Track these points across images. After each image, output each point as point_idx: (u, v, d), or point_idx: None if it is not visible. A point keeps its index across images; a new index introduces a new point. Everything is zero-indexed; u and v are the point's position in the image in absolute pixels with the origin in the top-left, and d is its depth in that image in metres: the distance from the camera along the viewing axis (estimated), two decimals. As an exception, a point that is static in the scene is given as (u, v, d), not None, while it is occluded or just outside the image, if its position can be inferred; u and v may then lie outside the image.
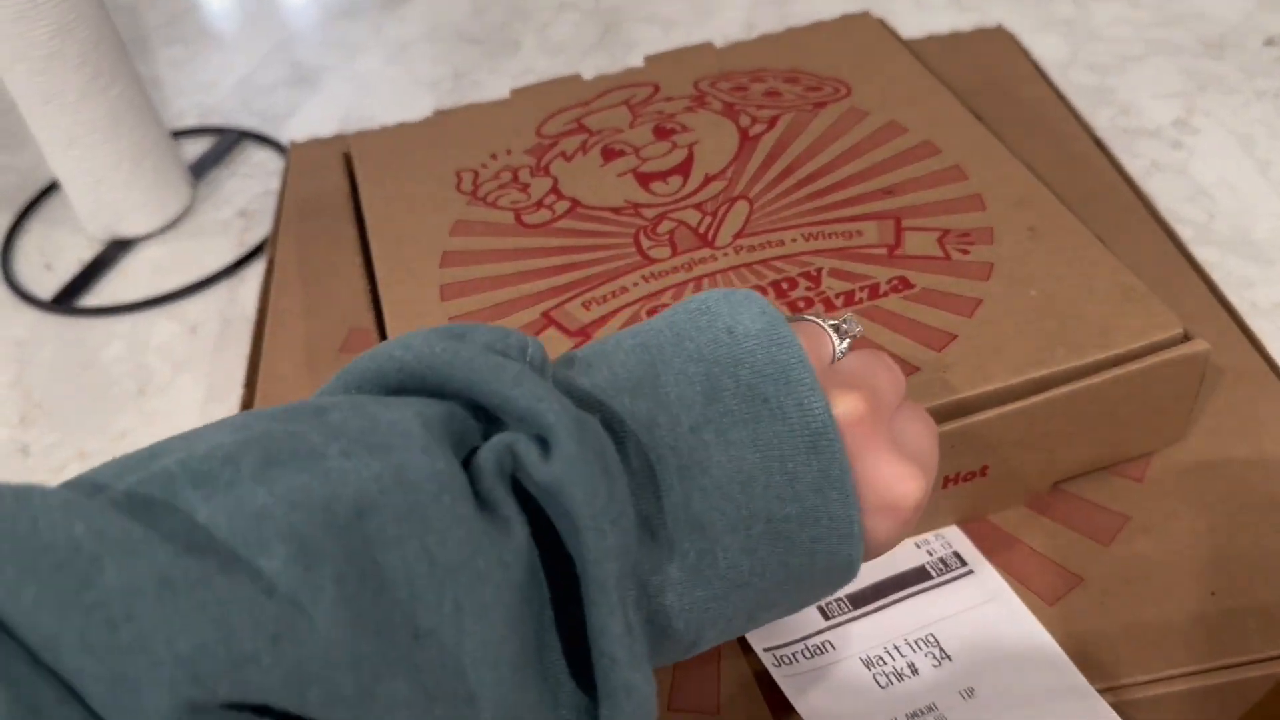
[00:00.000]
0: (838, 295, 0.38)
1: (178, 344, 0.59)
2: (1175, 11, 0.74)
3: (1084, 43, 0.73)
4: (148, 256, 0.66)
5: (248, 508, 0.17)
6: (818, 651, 0.35)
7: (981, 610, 0.36)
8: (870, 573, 0.37)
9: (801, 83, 0.49)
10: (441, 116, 0.52)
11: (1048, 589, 0.36)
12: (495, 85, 0.76)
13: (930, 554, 0.38)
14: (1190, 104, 0.67)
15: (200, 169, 0.72)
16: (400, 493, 0.18)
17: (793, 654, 0.35)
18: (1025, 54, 0.64)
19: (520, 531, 0.20)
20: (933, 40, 0.65)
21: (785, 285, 0.39)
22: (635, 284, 0.40)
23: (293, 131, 0.75)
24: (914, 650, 0.35)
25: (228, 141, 0.74)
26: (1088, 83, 0.70)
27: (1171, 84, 0.68)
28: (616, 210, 0.44)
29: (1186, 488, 0.38)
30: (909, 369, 0.35)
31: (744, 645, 0.35)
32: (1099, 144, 0.56)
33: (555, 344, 0.38)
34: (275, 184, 0.70)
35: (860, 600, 0.36)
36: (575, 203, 0.44)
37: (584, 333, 0.38)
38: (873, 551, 0.25)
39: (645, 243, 0.42)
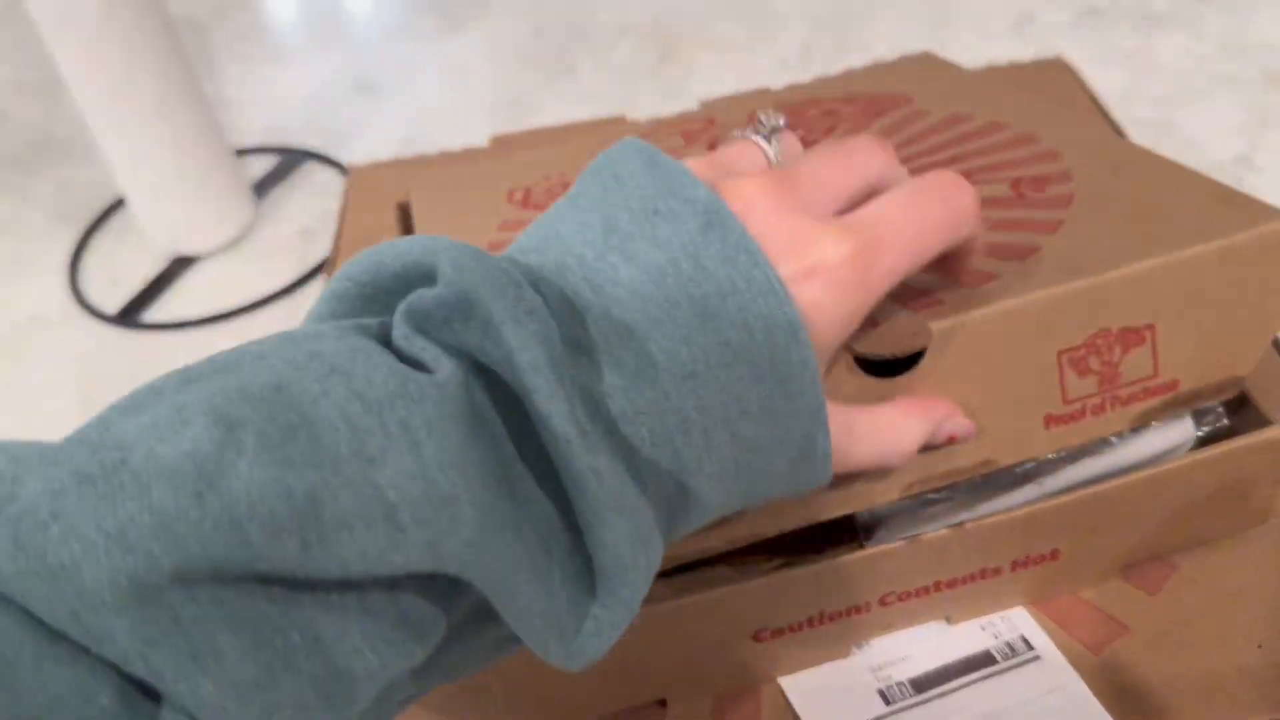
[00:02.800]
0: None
1: None
2: (1239, 44, 0.73)
3: (1146, 75, 0.72)
4: (210, 273, 0.68)
5: (167, 408, 0.18)
6: None
7: (1047, 700, 0.35)
8: (934, 656, 0.37)
9: (860, 101, 0.49)
10: (500, 158, 0.52)
11: (1093, 638, 0.36)
12: (553, 108, 0.77)
13: (996, 637, 0.37)
14: (1254, 139, 0.66)
15: (263, 188, 0.73)
16: (316, 363, 0.19)
17: None
18: (1084, 86, 0.63)
19: (447, 365, 0.20)
20: (991, 71, 0.65)
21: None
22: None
23: (355, 151, 0.76)
24: None
25: (291, 161, 0.75)
26: (1149, 116, 0.69)
27: (1234, 118, 0.67)
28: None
29: (1235, 537, 0.37)
30: (987, 277, 0.30)
31: None
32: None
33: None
34: (335, 204, 0.71)
35: (923, 685, 0.36)
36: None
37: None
38: (823, 325, 0.23)
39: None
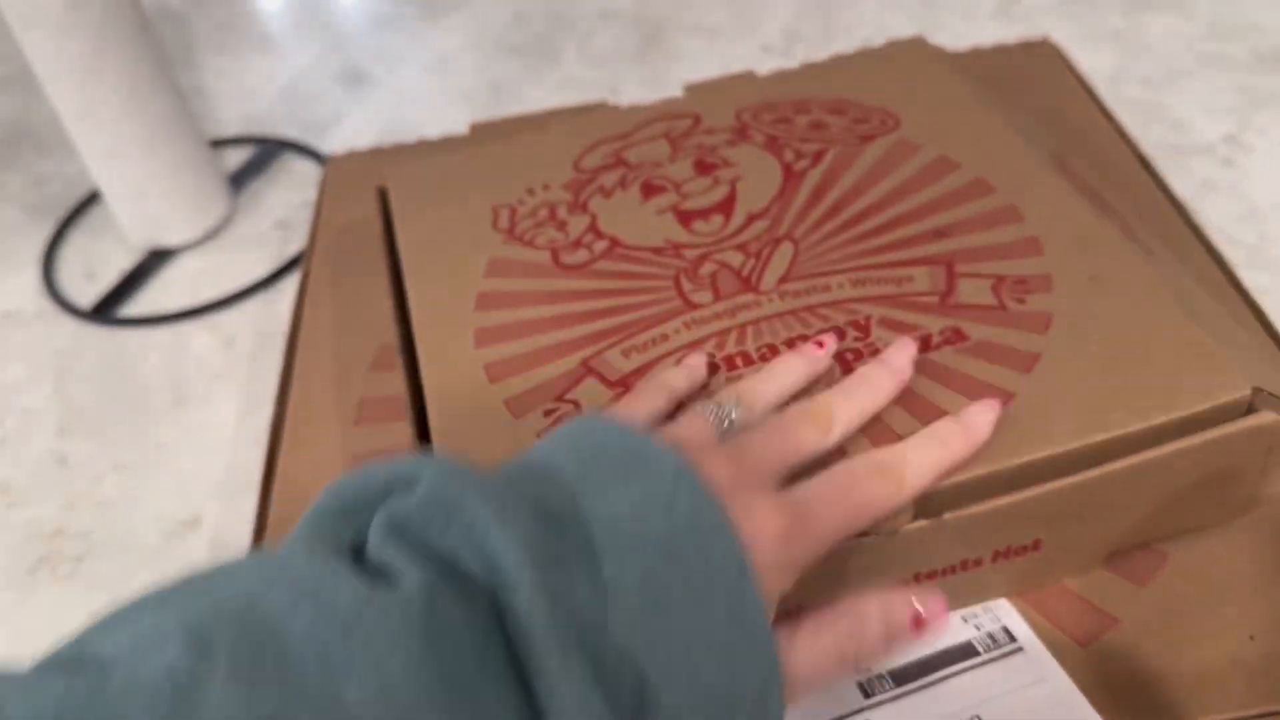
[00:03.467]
0: (887, 345, 0.37)
1: (214, 356, 0.59)
2: (1229, 23, 0.72)
3: (1134, 55, 0.71)
4: (187, 267, 0.67)
5: (146, 626, 0.19)
6: None
7: (1030, 691, 0.35)
8: (915, 648, 0.36)
9: (848, 114, 0.48)
10: (478, 147, 0.51)
11: (1081, 631, 0.35)
12: (535, 96, 0.76)
13: (978, 628, 0.37)
14: (1244, 120, 0.65)
15: (240, 179, 0.72)
16: (286, 583, 0.20)
17: None
18: (1072, 68, 0.62)
19: (415, 575, 0.21)
20: (978, 54, 0.64)
21: (834, 335, 0.38)
22: (677, 331, 0.39)
23: (334, 141, 0.75)
24: None
25: (268, 152, 0.74)
26: (1137, 97, 0.68)
27: (1224, 99, 0.66)
28: (657, 250, 0.43)
29: (1227, 527, 0.37)
30: None
31: None
32: (1146, 164, 0.54)
33: (594, 395, 0.37)
34: (313, 195, 0.70)
35: (904, 677, 0.36)
36: (614, 242, 0.43)
37: (624, 383, 0.37)
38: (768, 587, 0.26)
39: (686, 286, 0.41)
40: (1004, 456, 0.33)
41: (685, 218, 0.44)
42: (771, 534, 0.26)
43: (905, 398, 0.35)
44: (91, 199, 0.73)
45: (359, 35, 0.88)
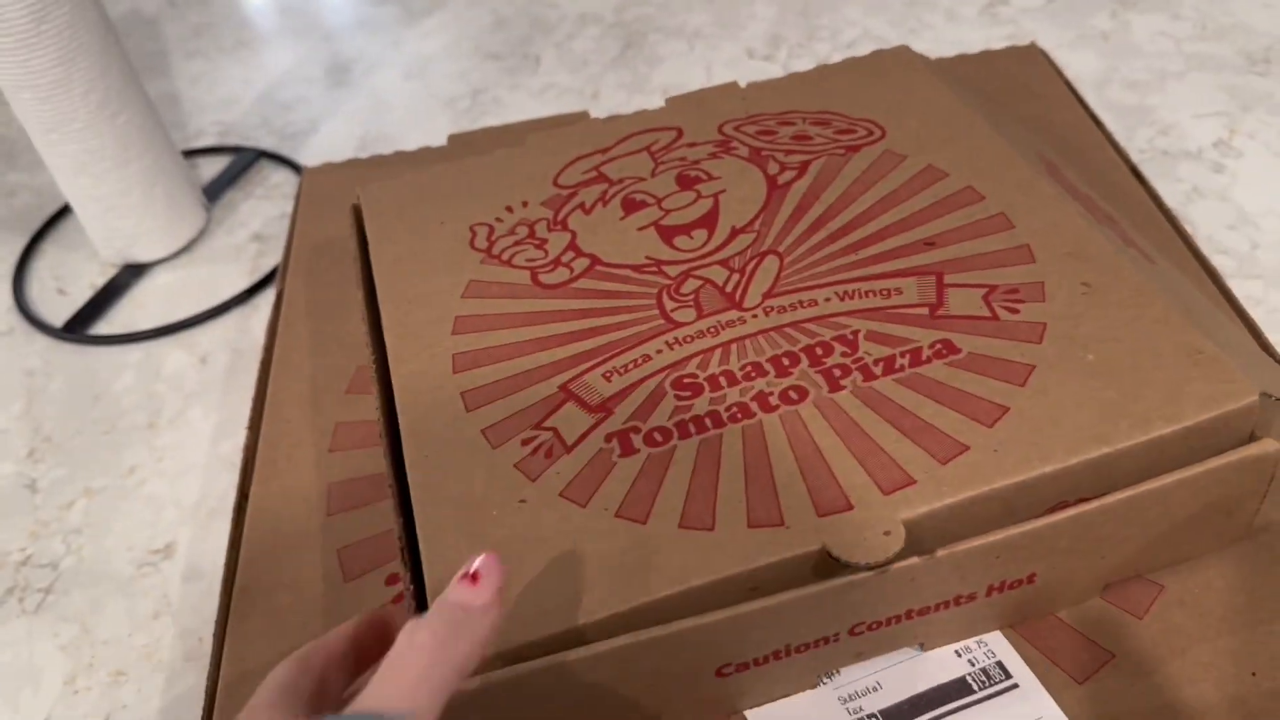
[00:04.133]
0: (876, 362, 0.36)
1: (188, 374, 0.58)
2: (1218, 24, 0.71)
3: (1122, 58, 0.70)
4: (161, 282, 0.65)
5: None
6: None
7: None
8: (907, 685, 0.35)
9: (832, 125, 0.47)
10: (454, 163, 0.50)
11: (1077, 666, 0.34)
12: (514, 102, 0.74)
13: (972, 664, 0.35)
14: (1233, 123, 0.64)
15: (215, 190, 0.71)
16: None
17: None
18: (1059, 74, 0.61)
19: None
20: (964, 60, 0.63)
21: (819, 351, 0.37)
22: (659, 351, 0.38)
23: (311, 149, 0.73)
24: None
25: (244, 161, 0.73)
26: (1125, 101, 0.67)
27: (1213, 102, 0.65)
28: (638, 268, 0.42)
29: (1224, 555, 0.36)
30: (958, 447, 0.33)
31: None
32: (1134, 171, 0.53)
33: (574, 420, 0.36)
34: (290, 206, 0.68)
35: (895, 716, 0.34)
36: (594, 260, 0.42)
37: (604, 407, 0.36)
38: None
39: (669, 304, 0.40)
40: (1001, 475, 0.32)
41: (667, 234, 0.43)
42: None
43: (897, 416, 0.34)
44: (63, 212, 0.72)
45: (337, 39, 0.87)
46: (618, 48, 0.78)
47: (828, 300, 0.39)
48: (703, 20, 0.81)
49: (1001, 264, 0.39)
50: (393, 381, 0.38)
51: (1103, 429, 0.32)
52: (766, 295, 0.39)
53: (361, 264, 0.45)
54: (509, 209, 0.46)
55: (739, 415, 0.35)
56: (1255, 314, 0.45)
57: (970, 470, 0.32)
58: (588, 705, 0.32)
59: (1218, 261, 0.48)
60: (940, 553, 0.32)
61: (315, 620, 0.38)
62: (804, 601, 0.31)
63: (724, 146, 0.47)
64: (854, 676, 0.36)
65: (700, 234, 0.43)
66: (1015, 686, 0.35)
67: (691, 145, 0.47)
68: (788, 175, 0.45)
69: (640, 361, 0.38)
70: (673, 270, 0.41)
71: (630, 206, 0.45)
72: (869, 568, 0.31)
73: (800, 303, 0.39)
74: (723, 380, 0.37)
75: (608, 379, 0.37)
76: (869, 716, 0.35)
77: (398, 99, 0.77)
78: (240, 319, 0.61)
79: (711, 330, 0.38)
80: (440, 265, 0.43)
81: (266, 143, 0.75)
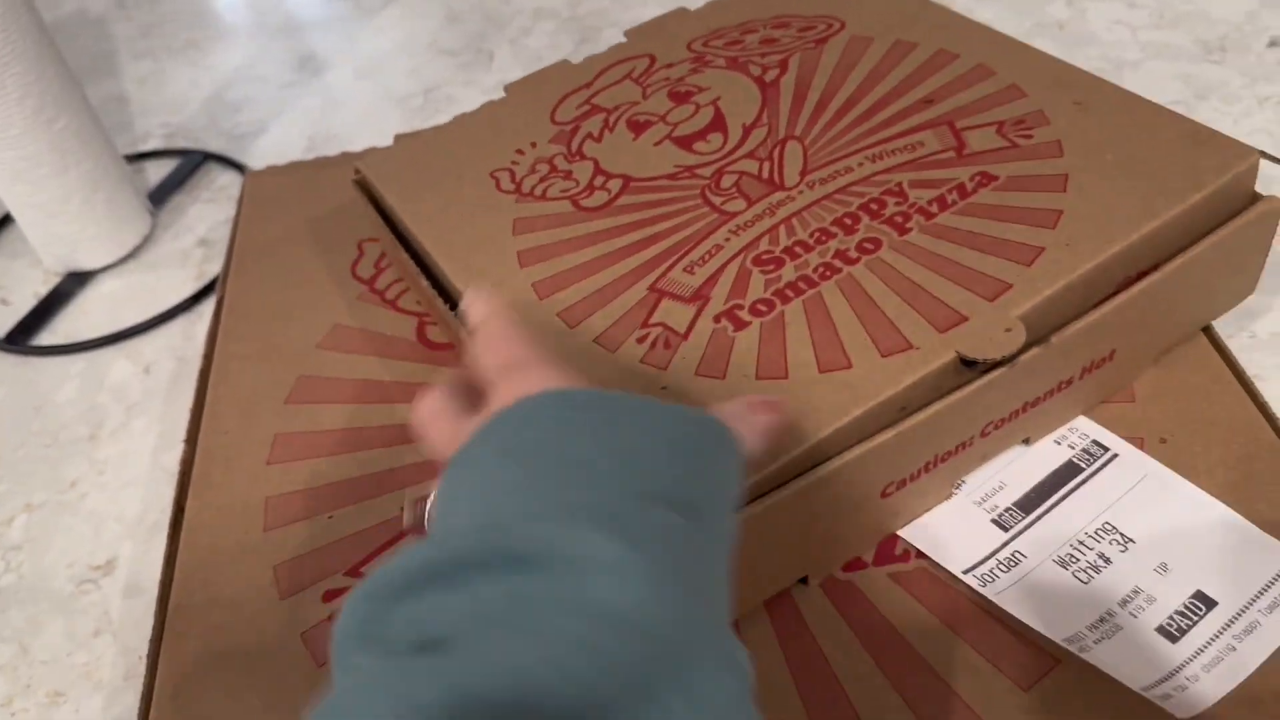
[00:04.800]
0: (930, 203, 0.39)
1: (132, 385, 0.56)
2: (1175, 11, 0.70)
3: (1078, 47, 0.69)
4: (105, 290, 0.62)
5: None
6: (1012, 564, 0.36)
7: (1142, 488, 0.37)
8: (1026, 479, 0.38)
9: (793, 25, 0.50)
10: (446, 123, 0.50)
11: (1021, 673, 0.34)
12: (468, 99, 0.73)
13: (1072, 448, 0.39)
14: (1189, 113, 0.63)
15: (161, 194, 0.68)
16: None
17: (990, 572, 0.36)
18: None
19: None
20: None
21: (875, 206, 0.39)
22: (727, 239, 0.40)
23: (260, 151, 0.71)
24: (1098, 541, 0.36)
25: (190, 164, 0.70)
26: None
27: (1170, 90, 0.64)
28: (672, 176, 0.43)
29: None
30: (1035, 251, 0.36)
31: (947, 576, 0.36)
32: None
33: (678, 314, 0.37)
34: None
35: (1028, 505, 0.38)
36: (627, 179, 0.43)
37: (700, 295, 0.38)
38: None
39: (716, 199, 0.41)
40: (1079, 263, 0.35)
41: (684, 143, 0.45)
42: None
43: (970, 239, 0.37)
44: (5, 220, 0.68)
45: (287, 37, 0.84)
46: (572, 43, 0.79)
47: (861, 165, 0.41)
48: (656, 14, 0.82)
49: (1000, 103, 0.43)
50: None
51: (1146, 207, 0.37)
52: (804, 173, 0.42)
53: (390, 228, 0.45)
54: (520, 152, 0.46)
55: (828, 273, 0.37)
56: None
57: (1053, 266, 0.36)
58: (776, 547, 0.34)
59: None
60: (1054, 339, 0.35)
61: (251, 638, 0.38)
62: (951, 409, 0.34)
63: (700, 61, 0.49)
64: (978, 482, 0.38)
65: (715, 137, 0.45)
66: (1115, 456, 0.39)
67: (669, 66, 0.49)
68: (772, 74, 0.47)
69: (714, 252, 0.39)
70: (706, 172, 0.43)
71: (637, 128, 0.46)
72: (1003, 362, 0.34)
73: (837, 172, 0.41)
74: (799, 250, 0.39)
75: (690, 272, 0.39)
76: (1006, 510, 0.38)
77: (349, 97, 0.76)
78: (185, 326, 0.59)
79: (768, 212, 0.40)
80: (478, 212, 0.43)
81: (214, 144, 0.73)
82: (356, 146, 0.65)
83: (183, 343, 0.58)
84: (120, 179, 0.62)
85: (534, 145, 0.46)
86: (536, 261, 0.40)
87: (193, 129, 0.75)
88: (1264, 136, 0.58)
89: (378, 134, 0.67)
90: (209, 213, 0.67)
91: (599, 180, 0.44)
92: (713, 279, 0.38)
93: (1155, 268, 0.37)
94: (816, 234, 0.39)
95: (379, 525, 0.40)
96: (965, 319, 0.35)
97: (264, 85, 0.79)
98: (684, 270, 0.39)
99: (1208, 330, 0.43)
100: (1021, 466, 0.39)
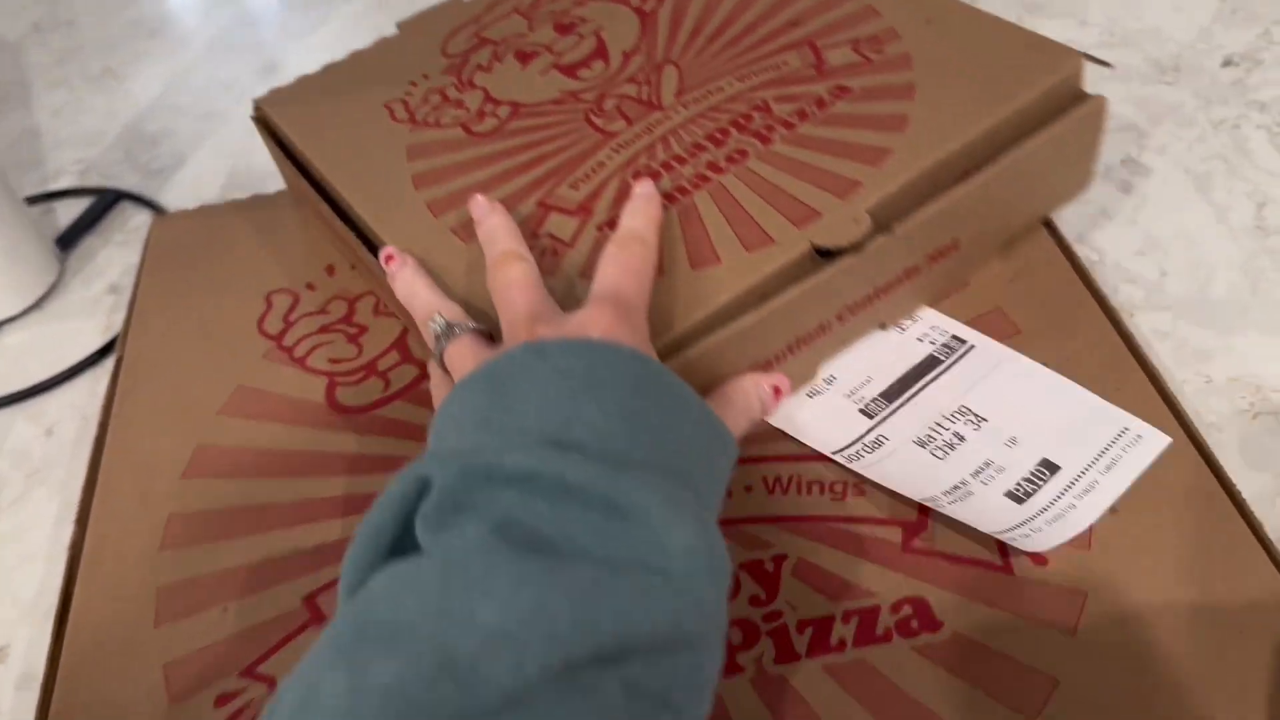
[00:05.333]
0: (792, 115, 0.43)
1: (33, 449, 0.52)
2: (1126, 29, 0.67)
3: None
4: (8, 344, 0.58)
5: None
6: (876, 445, 0.40)
7: (996, 374, 0.42)
8: (891, 371, 0.42)
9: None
10: (342, 60, 0.52)
11: (1025, 700, 0.33)
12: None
13: (933, 344, 0.43)
14: (1141, 139, 0.59)
15: (72, 236, 0.64)
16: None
17: (857, 453, 0.40)
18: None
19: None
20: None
21: (742, 121, 0.43)
22: (609, 157, 0.43)
23: (176, 189, 0.68)
24: (954, 422, 0.40)
25: (103, 204, 0.66)
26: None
27: (1121, 114, 0.60)
28: (557, 101, 0.46)
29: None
30: (883, 153, 0.40)
31: (817, 456, 0.40)
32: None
33: (564, 226, 0.40)
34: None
35: (891, 395, 0.42)
36: (515, 105, 0.46)
37: (584, 208, 0.41)
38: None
39: (598, 120, 0.45)
40: (920, 160, 0.40)
41: (568, 70, 0.48)
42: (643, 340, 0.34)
43: (826, 145, 0.41)
44: None
45: (208, 64, 0.81)
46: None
47: (731, 85, 0.45)
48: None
49: (857, 23, 0.46)
50: (384, 241, 0.41)
51: (983, 109, 0.41)
52: (679, 94, 0.45)
53: (291, 164, 0.47)
54: (413, 84, 0.48)
55: (699, 183, 0.41)
56: (1162, 348, 0.46)
57: (899, 165, 0.40)
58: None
59: (1125, 293, 0.48)
60: (897, 228, 0.39)
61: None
62: (806, 294, 0.38)
63: (583, -6, 0.52)
64: (848, 377, 0.43)
65: (598, 64, 0.48)
66: (974, 348, 0.43)
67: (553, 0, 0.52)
68: (650, 4, 0.50)
69: (596, 169, 0.42)
70: (588, 96, 0.46)
71: (524, 58, 0.49)
72: (851, 249, 0.38)
73: (709, 92, 0.45)
74: (674, 163, 0.42)
75: (575, 188, 0.42)
76: (873, 401, 0.42)
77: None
78: (91, 382, 0.55)
79: (646, 130, 0.44)
80: (374, 142, 0.46)
81: (130, 180, 0.69)
82: (278, 182, 0.58)
83: (88, 400, 0.54)
84: (23, 224, 0.59)
85: (426, 77, 0.49)
86: (431, 184, 0.43)
87: (107, 163, 0.71)
88: (1219, 163, 0.56)
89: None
90: (120, 256, 0.63)
91: (489, 108, 0.46)
92: (595, 194, 0.41)
93: (992, 162, 0.41)
94: (690, 148, 0.42)
95: (276, 619, 0.38)
96: (819, 214, 0.39)
97: (183, 116, 0.75)
98: (569, 186, 0.42)
99: (1050, 226, 0.47)
100: (888, 362, 0.43)
